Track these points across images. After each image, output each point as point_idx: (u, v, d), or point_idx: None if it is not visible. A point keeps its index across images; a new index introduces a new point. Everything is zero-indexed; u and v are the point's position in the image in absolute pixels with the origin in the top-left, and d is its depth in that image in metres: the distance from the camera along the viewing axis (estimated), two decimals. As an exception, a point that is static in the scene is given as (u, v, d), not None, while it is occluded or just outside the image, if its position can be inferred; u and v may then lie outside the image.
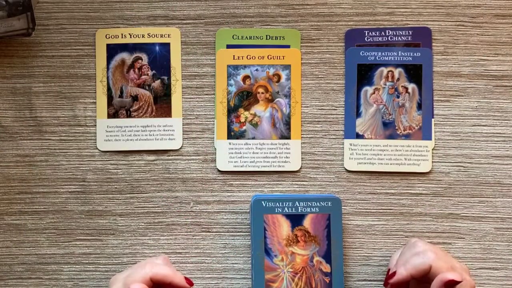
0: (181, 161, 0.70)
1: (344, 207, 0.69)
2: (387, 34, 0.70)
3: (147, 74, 0.71)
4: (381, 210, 0.70)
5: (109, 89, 0.71)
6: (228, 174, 0.70)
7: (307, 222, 0.67)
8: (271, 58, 0.71)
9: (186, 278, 0.58)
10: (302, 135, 0.71)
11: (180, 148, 0.70)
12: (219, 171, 0.70)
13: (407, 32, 0.70)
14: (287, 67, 0.71)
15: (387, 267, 0.66)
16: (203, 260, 0.70)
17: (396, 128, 0.70)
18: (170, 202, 0.70)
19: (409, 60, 0.70)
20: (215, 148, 0.70)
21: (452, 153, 0.70)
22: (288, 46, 0.71)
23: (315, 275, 0.66)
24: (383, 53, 0.70)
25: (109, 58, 0.71)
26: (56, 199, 0.70)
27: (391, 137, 0.70)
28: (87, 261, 0.70)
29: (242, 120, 0.71)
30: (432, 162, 0.70)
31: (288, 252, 0.66)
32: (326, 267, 0.66)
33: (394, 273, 0.59)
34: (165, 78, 0.71)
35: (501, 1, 0.70)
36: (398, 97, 0.70)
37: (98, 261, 0.69)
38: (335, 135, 0.71)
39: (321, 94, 0.71)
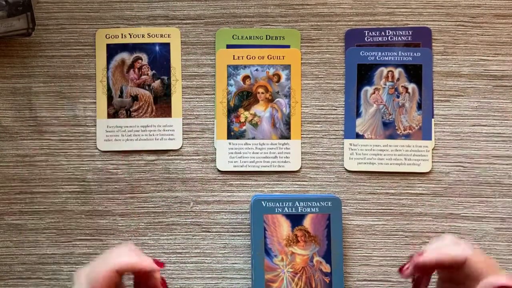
0: (181, 161, 0.70)
1: (344, 207, 0.69)
2: (387, 34, 0.70)
3: (147, 74, 0.71)
4: (381, 210, 0.70)
5: (109, 89, 0.71)
6: (228, 174, 0.70)
7: (307, 222, 0.67)
8: (271, 58, 0.71)
9: (155, 260, 0.52)
10: (302, 135, 0.71)
11: (180, 148, 0.70)
12: (219, 171, 0.70)
13: (407, 32, 0.70)
14: (287, 67, 0.71)
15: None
16: (203, 260, 0.70)
17: (396, 128, 0.70)
18: (170, 202, 0.70)
19: (409, 60, 0.70)
20: (215, 148, 0.70)
21: (452, 153, 0.70)
22: (288, 46, 0.71)
23: (315, 275, 0.66)
24: (383, 53, 0.70)
25: (109, 58, 0.71)
26: (56, 199, 0.70)
27: (391, 137, 0.70)
28: (87, 261, 0.69)
29: (242, 120, 0.71)
30: (432, 162, 0.70)
31: (288, 252, 0.66)
32: (326, 267, 0.66)
33: (422, 253, 0.50)
34: (165, 78, 0.71)
35: (501, 1, 0.70)
36: (398, 97, 0.70)
37: (98, 261, 0.69)
38: (335, 135, 0.71)
39: (321, 94, 0.71)
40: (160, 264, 0.53)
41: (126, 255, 0.51)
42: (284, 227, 0.66)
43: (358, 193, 0.70)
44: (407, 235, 0.70)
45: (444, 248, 0.50)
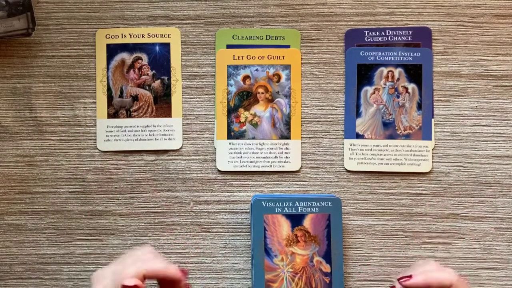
0: (181, 161, 0.70)
1: (344, 207, 0.69)
2: (387, 34, 0.70)
3: (147, 74, 0.71)
4: (381, 210, 0.70)
5: (109, 89, 0.71)
6: (228, 174, 0.70)
7: (307, 222, 0.67)
8: (271, 58, 0.71)
9: (180, 268, 0.55)
10: (302, 135, 0.71)
11: (180, 148, 0.70)
12: (219, 171, 0.70)
13: (407, 32, 0.70)
14: (287, 67, 0.71)
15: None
16: (203, 260, 0.70)
17: (396, 128, 0.70)
18: (170, 202, 0.70)
19: (409, 60, 0.70)
20: (215, 148, 0.70)
21: (452, 153, 0.70)
22: (288, 46, 0.71)
23: (315, 275, 0.66)
24: (383, 53, 0.70)
25: (109, 58, 0.71)
26: (56, 199, 0.70)
27: (391, 137, 0.70)
28: (87, 261, 0.70)
29: (242, 120, 0.71)
30: (432, 162, 0.70)
31: (288, 252, 0.66)
32: (326, 267, 0.66)
33: (411, 276, 0.57)
34: (165, 78, 0.71)
35: (501, 1, 0.71)
36: (398, 97, 0.70)
37: (98, 261, 0.69)
38: (335, 135, 0.71)
39: (321, 94, 0.71)
40: (185, 272, 0.54)
41: (153, 261, 0.53)
42: (284, 227, 0.66)
43: (358, 193, 0.70)
44: (407, 235, 0.70)
45: (431, 272, 0.56)
